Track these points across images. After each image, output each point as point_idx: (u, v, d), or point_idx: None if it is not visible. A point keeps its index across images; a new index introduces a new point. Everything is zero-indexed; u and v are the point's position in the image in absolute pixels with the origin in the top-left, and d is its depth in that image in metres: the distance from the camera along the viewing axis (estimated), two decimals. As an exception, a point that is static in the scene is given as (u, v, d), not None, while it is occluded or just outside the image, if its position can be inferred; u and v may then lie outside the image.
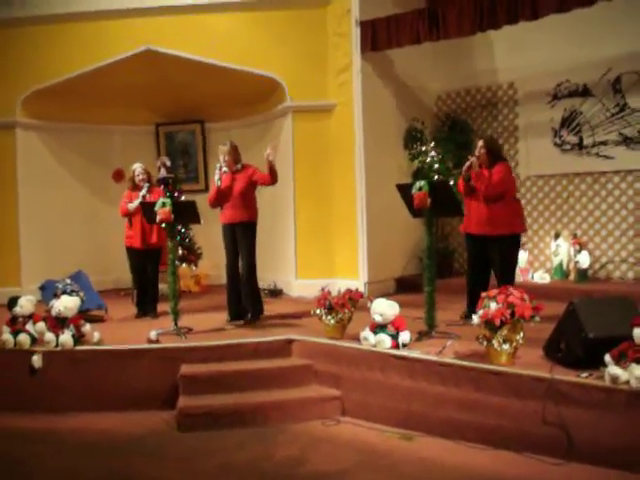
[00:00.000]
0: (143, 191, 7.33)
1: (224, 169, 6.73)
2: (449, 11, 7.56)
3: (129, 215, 7.37)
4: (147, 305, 7.49)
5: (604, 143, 8.34)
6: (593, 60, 8.23)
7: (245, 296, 6.86)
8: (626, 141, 8.16)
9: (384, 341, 5.20)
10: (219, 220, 6.89)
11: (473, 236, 6.49)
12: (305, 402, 5.34)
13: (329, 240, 8.73)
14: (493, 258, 6.38)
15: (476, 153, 6.40)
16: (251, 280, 6.84)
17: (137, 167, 7.50)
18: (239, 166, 6.80)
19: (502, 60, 9.20)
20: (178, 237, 8.92)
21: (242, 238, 6.77)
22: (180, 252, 9.14)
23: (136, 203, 7.28)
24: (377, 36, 8.26)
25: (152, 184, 7.57)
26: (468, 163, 6.32)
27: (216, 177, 6.68)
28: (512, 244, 6.38)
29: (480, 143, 6.47)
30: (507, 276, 6.29)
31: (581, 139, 8.53)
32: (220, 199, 6.76)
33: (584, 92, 8.48)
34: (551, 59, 8.53)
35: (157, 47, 8.67)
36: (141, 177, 7.41)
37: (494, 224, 6.24)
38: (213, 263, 9.42)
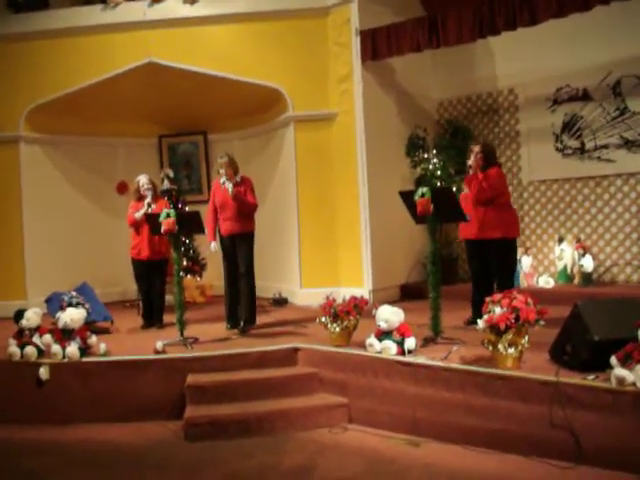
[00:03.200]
0: (148, 199, 7.37)
1: (223, 180, 6.81)
2: (448, 19, 7.59)
3: (136, 224, 7.40)
4: (153, 316, 7.51)
5: (605, 147, 8.36)
6: (592, 64, 8.26)
7: (241, 305, 6.91)
8: (627, 144, 8.17)
9: (390, 348, 5.20)
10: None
11: (471, 241, 6.56)
12: (311, 410, 5.35)
13: (333, 248, 8.74)
14: (490, 262, 6.47)
15: (472, 157, 6.50)
16: (249, 290, 6.91)
17: (142, 178, 7.54)
18: (238, 178, 6.88)
19: (502, 66, 9.25)
20: (182, 248, 8.93)
21: (241, 249, 6.86)
22: (185, 263, 9.16)
23: (143, 211, 7.30)
24: (377, 45, 8.30)
25: (157, 194, 7.60)
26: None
27: (228, 188, 6.74)
28: (506, 249, 6.45)
29: (477, 148, 6.54)
30: (505, 280, 6.36)
31: (582, 143, 8.55)
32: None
33: (584, 96, 8.51)
34: (550, 64, 8.57)
35: (159, 60, 8.73)
36: (146, 187, 7.44)
37: (487, 228, 6.35)
38: (217, 274, 9.42)
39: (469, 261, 6.77)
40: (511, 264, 6.59)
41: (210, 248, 7.07)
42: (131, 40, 8.76)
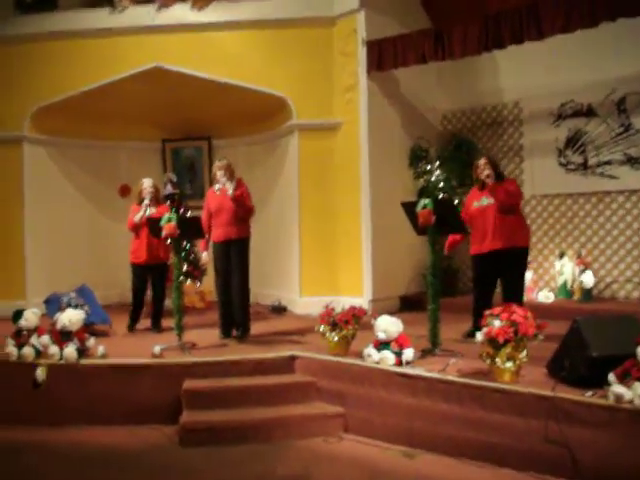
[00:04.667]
0: (146, 200, 7.39)
1: (217, 187, 6.78)
2: (454, 31, 7.61)
3: (136, 228, 7.41)
4: (139, 319, 7.59)
5: (608, 163, 8.36)
6: (597, 80, 8.27)
7: (237, 316, 6.86)
8: (630, 161, 8.18)
9: (388, 358, 5.19)
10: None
11: (485, 255, 6.41)
12: (308, 419, 5.33)
13: (333, 258, 8.74)
14: (505, 273, 6.36)
15: (485, 171, 6.42)
16: (245, 298, 6.87)
17: (145, 181, 7.57)
18: (234, 183, 6.82)
19: (507, 80, 9.26)
20: (183, 253, 8.91)
21: (237, 256, 6.78)
22: (185, 268, 9.13)
23: (141, 214, 7.34)
24: (383, 56, 8.32)
25: (158, 199, 7.60)
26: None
27: (226, 188, 6.69)
28: (526, 258, 6.48)
29: (483, 160, 6.50)
30: (520, 290, 6.37)
31: (586, 159, 8.56)
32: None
33: (589, 112, 8.52)
34: (556, 79, 8.58)
35: (165, 64, 8.75)
36: (148, 190, 7.46)
37: (517, 236, 6.29)
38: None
39: (484, 275, 6.49)
40: (525, 275, 6.60)
41: (202, 258, 7.09)
42: (138, 44, 8.78)
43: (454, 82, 9.67)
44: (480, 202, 6.43)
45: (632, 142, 8.18)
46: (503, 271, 6.39)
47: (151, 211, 7.34)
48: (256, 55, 8.79)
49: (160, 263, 7.50)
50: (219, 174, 6.79)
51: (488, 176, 6.42)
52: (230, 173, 6.82)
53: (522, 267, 6.46)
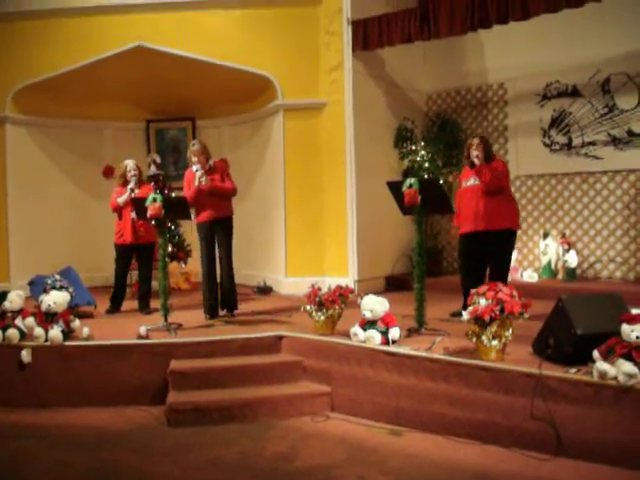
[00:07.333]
0: (131, 184, 7.33)
1: (195, 168, 6.71)
2: (440, 10, 7.59)
3: (119, 209, 7.36)
4: (119, 305, 7.52)
5: (593, 143, 8.41)
6: (582, 61, 8.30)
7: (226, 292, 6.91)
8: (614, 141, 8.23)
9: (374, 337, 5.21)
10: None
11: (469, 235, 6.50)
12: (294, 398, 5.34)
13: (319, 238, 8.74)
14: (490, 254, 6.43)
15: (474, 152, 6.43)
16: (232, 276, 6.91)
17: (129, 163, 7.50)
18: (211, 163, 6.82)
19: (492, 60, 9.27)
20: (168, 234, 8.87)
21: (222, 235, 6.83)
22: (170, 249, 9.10)
23: (125, 196, 7.28)
24: (368, 35, 8.29)
25: (142, 180, 7.55)
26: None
27: (200, 176, 6.64)
28: (511, 240, 6.51)
29: (476, 141, 6.50)
30: (502, 274, 6.34)
31: (570, 139, 8.60)
32: (198, 199, 6.79)
33: (573, 93, 8.55)
34: (541, 60, 8.60)
35: (149, 44, 8.65)
36: (132, 173, 7.40)
37: (497, 219, 6.32)
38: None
39: (468, 255, 6.62)
40: (510, 257, 6.60)
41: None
42: (121, 23, 8.67)
43: (439, 63, 9.67)
44: (468, 182, 6.48)
45: (616, 123, 8.23)
46: (487, 252, 6.45)
47: (135, 193, 7.29)
48: (241, 34, 8.72)
49: (146, 243, 7.45)
50: (193, 160, 6.76)
51: (477, 157, 6.43)
52: (205, 156, 6.79)
53: (506, 249, 6.49)
